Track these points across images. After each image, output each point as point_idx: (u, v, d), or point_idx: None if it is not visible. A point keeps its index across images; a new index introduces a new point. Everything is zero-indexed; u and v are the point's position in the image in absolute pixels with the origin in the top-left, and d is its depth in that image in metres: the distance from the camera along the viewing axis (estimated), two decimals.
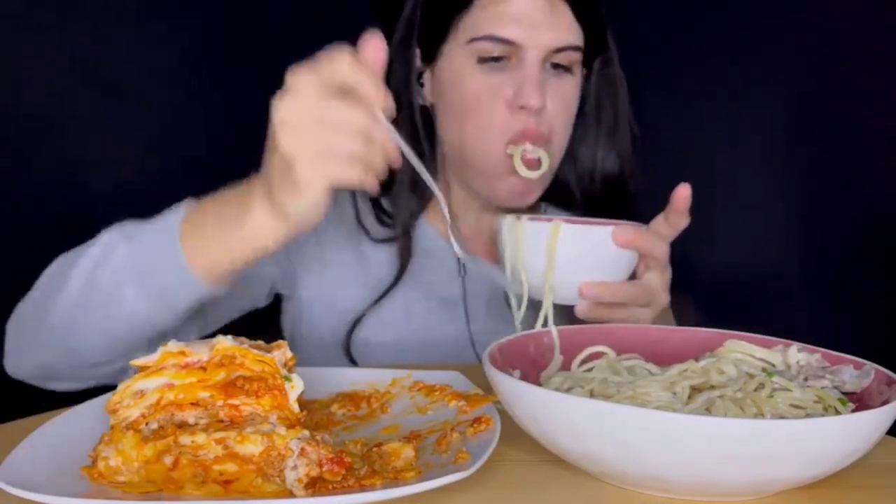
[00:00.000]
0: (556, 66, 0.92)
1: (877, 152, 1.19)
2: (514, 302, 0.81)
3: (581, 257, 0.77)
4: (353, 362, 0.99)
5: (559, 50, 0.90)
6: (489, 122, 0.91)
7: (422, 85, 0.98)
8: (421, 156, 0.97)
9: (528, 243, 0.77)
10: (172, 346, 0.59)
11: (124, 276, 0.72)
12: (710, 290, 1.22)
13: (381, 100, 0.61)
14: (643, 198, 1.19)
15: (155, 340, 0.74)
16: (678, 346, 0.70)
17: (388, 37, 0.94)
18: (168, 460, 0.54)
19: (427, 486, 0.51)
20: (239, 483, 0.54)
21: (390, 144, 0.63)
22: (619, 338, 0.71)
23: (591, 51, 0.96)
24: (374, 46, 0.62)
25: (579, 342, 0.70)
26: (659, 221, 0.80)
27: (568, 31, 0.91)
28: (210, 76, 1.19)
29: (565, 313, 0.79)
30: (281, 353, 0.60)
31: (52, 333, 0.76)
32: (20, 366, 0.81)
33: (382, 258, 1.00)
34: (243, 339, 0.60)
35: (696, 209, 1.24)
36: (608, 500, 0.55)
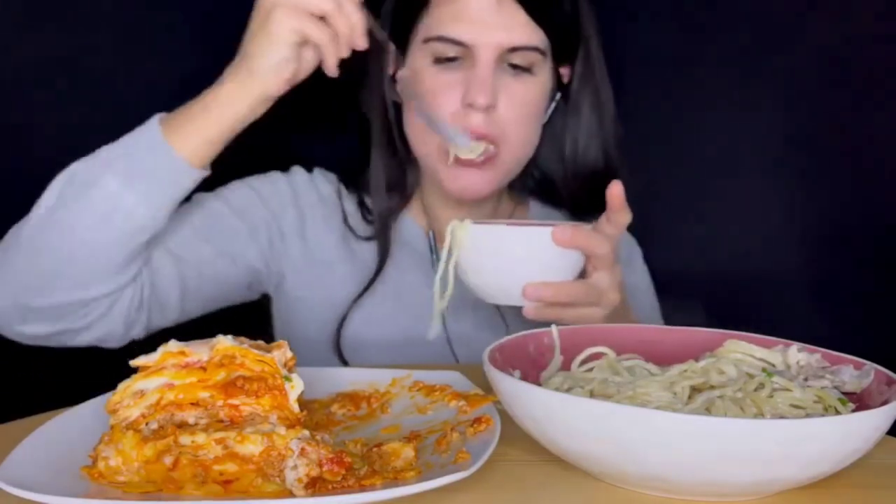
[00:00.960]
0: (514, 66, 0.92)
1: (877, 153, 1.19)
2: (436, 297, 0.81)
3: (524, 258, 0.77)
4: (342, 360, 0.99)
5: (513, 50, 0.91)
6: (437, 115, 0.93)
7: (396, 82, 1.00)
8: (394, 153, 1.01)
9: (470, 245, 0.78)
10: (172, 346, 0.59)
11: (104, 166, 0.79)
12: (710, 290, 1.22)
13: None
14: (643, 198, 1.19)
15: (133, 254, 0.81)
16: (678, 346, 0.70)
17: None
18: (168, 460, 0.54)
19: (427, 486, 0.51)
20: (239, 483, 0.54)
21: (357, 19, 0.77)
22: (619, 338, 0.71)
23: (564, 48, 0.97)
24: None
25: (579, 342, 0.70)
26: (602, 221, 0.80)
27: (522, 31, 0.91)
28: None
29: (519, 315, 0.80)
30: (281, 353, 0.60)
31: (26, 249, 0.79)
32: None
33: (370, 256, 1.02)
34: (243, 339, 0.60)
35: (696, 210, 1.25)
36: (608, 500, 0.55)
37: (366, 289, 1.00)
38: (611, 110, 1.03)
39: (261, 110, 0.80)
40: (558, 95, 1.01)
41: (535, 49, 0.92)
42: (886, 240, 1.18)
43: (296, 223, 1.02)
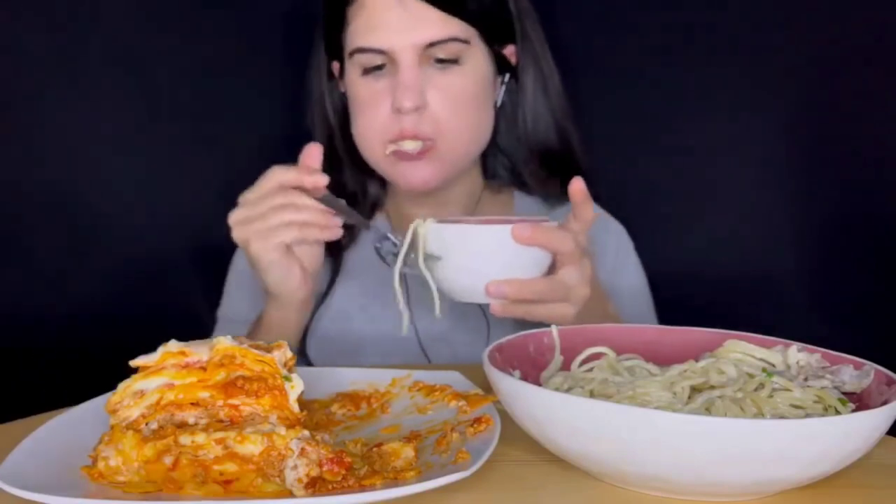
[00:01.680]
0: (440, 60, 0.93)
1: (877, 153, 1.19)
2: (397, 292, 0.81)
3: (486, 255, 0.77)
4: (308, 362, 1.00)
5: (431, 45, 0.91)
6: (371, 125, 0.95)
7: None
8: (345, 164, 1.03)
9: (432, 243, 0.78)
10: (172, 346, 0.59)
11: None
12: (710, 290, 1.22)
13: (310, 180, 0.79)
14: (643, 198, 1.19)
15: None
16: (678, 346, 0.69)
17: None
18: (168, 460, 0.54)
19: (427, 486, 0.51)
20: (239, 483, 0.54)
21: (313, 206, 0.80)
22: (619, 338, 0.71)
23: (495, 32, 0.97)
24: (311, 153, 0.82)
25: (579, 342, 0.70)
26: (569, 217, 0.80)
27: (434, 27, 0.91)
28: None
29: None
30: (281, 353, 0.60)
31: None
32: None
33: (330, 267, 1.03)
34: (243, 338, 0.60)
35: (696, 209, 1.24)
36: (608, 499, 0.55)
37: (327, 290, 1.02)
38: (556, 85, 1.03)
39: (306, 308, 0.90)
40: (507, 77, 1.01)
41: (454, 40, 0.92)
42: (886, 240, 1.18)
43: None
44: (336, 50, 0.98)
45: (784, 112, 1.21)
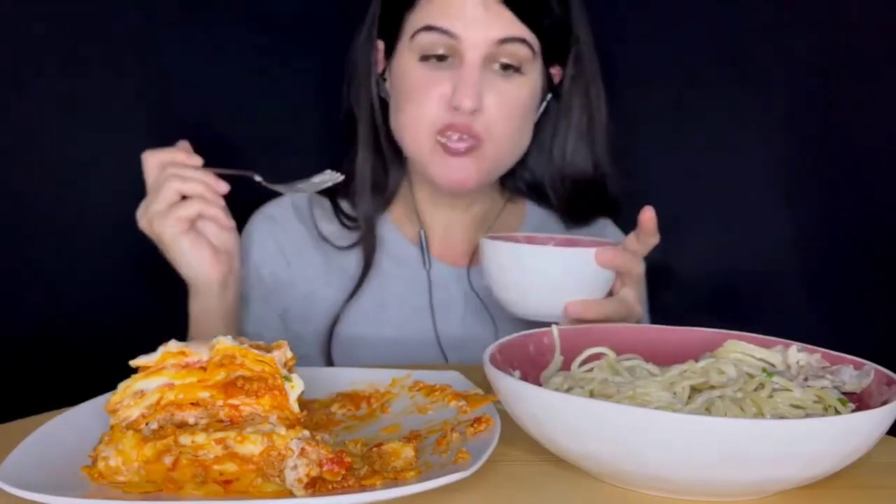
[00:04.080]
0: (505, 66, 0.92)
1: (877, 152, 1.19)
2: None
3: (565, 277, 0.81)
4: (331, 364, 1.00)
5: (502, 42, 0.90)
6: (421, 114, 0.93)
7: (385, 80, 1.00)
8: (378, 149, 1.01)
9: (506, 262, 0.82)
10: (172, 346, 0.59)
11: None
12: (710, 290, 1.22)
13: (182, 154, 0.85)
14: (643, 198, 1.19)
15: None
16: (678, 346, 0.69)
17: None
18: (168, 460, 0.54)
19: (427, 486, 0.51)
20: (239, 483, 0.54)
21: (208, 179, 0.85)
22: (619, 338, 0.71)
23: (554, 49, 0.97)
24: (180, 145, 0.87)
25: (579, 343, 0.70)
26: (631, 240, 0.82)
27: (510, 25, 0.91)
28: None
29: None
30: (281, 353, 0.60)
31: None
32: None
33: (350, 263, 1.02)
34: (243, 339, 0.60)
35: (696, 210, 1.24)
36: (608, 499, 0.55)
37: (355, 290, 1.01)
38: (603, 115, 1.03)
39: (231, 293, 0.91)
40: (549, 96, 1.01)
41: (523, 41, 0.91)
42: (886, 240, 1.18)
43: (282, 260, 1.03)
44: (390, 29, 0.96)
45: (784, 112, 1.21)
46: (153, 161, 0.85)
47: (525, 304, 0.83)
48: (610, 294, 0.84)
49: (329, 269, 1.03)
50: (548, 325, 0.71)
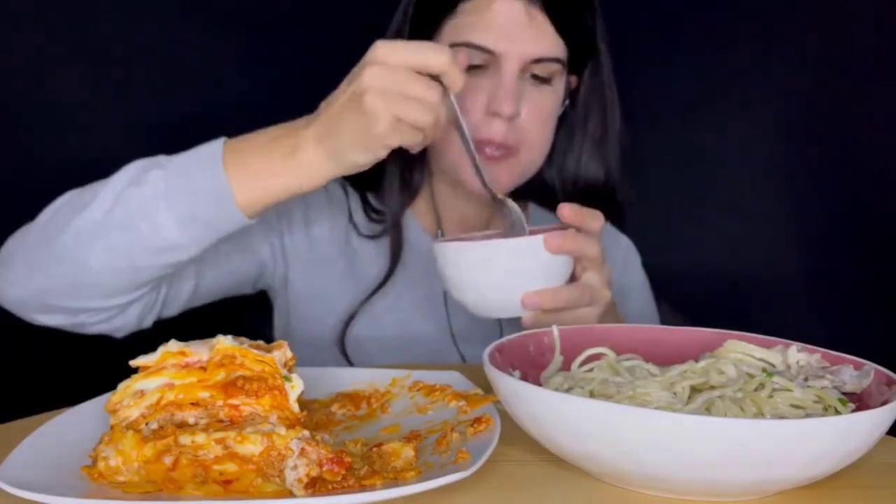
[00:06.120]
0: (535, 77, 0.93)
1: (877, 152, 1.19)
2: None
3: (517, 269, 0.77)
4: (346, 358, 1.00)
5: (537, 61, 0.92)
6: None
7: None
8: (407, 151, 1.00)
9: (459, 263, 0.78)
10: (172, 346, 0.59)
11: (159, 199, 0.76)
12: (710, 290, 1.22)
13: (460, 85, 0.73)
14: (643, 198, 1.19)
15: (162, 277, 0.82)
16: (678, 347, 0.70)
17: (383, 34, 0.97)
18: (168, 460, 0.54)
19: (427, 486, 0.51)
20: (239, 483, 0.54)
21: (444, 121, 0.75)
22: (619, 338, 0.71)
23: (578, 60, 0.98)
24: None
25: (579, 342, 0.70)
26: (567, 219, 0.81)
27: (547, 42, 0.92)
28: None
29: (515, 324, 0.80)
30: (281, 353, 0.60)
31: (61, 255, 0.78)
32: (12, 290, 0.82)
33: (371, 254, 1.03)
34: (243, 339, 0.60)
35: (696, 210, 1.25)
36: (608, 499, 0.55)
37: (380, 286, 1.00)
38: (616, 124, 1.04)
39: (303, 186, 0.77)
40: (567, 102, 1.02)
41: (558, 61, 0.93)
42: (886, 240, 1.18)
43: (303, 218, 1.03)
44: (425, 30, 0.95)
45: (784, 112, 1.21)
46: (424, 58, 0.71)
47: (485, 303, 0.79)
48: (573, 282, 0.81)
49: (348, 252, 1.03)
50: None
